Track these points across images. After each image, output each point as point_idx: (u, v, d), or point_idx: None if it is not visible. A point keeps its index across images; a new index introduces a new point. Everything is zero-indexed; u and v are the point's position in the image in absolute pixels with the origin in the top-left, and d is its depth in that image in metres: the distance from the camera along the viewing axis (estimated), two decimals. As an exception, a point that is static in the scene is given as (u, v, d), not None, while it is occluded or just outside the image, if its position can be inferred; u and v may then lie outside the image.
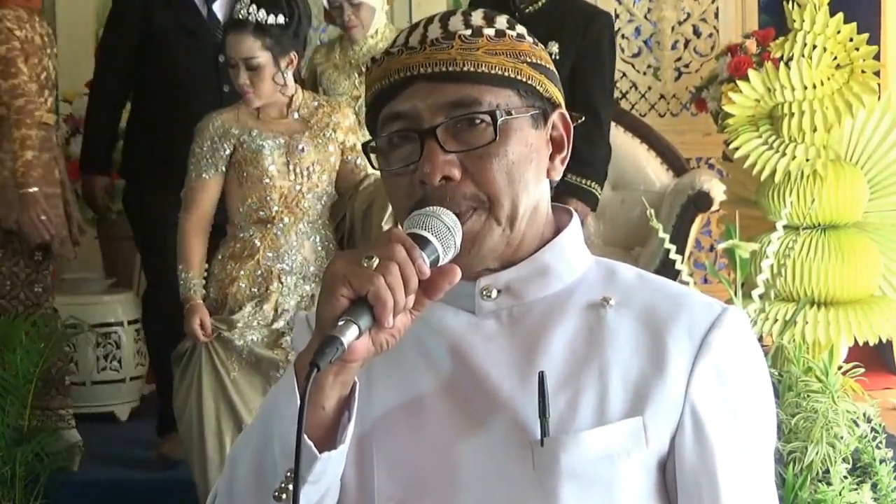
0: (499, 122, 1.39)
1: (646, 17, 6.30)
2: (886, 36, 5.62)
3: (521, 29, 1.46)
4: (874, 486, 3.44)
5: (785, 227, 3.81)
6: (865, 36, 4.04)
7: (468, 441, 1.39)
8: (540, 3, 4.48)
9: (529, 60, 1.43)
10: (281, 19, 3.78)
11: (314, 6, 4.87)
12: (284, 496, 1.30)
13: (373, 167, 1.46)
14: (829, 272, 3.99)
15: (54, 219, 4.38)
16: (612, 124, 5.13)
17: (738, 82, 4.18)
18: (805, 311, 3.96)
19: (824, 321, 3.98)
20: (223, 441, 3.73)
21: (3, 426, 4.13)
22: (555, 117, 1.47)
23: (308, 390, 1.23)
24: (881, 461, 3.46)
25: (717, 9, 6.23)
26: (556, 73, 1.48)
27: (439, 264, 1.33)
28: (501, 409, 1.39)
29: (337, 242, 3.92)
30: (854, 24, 4.03)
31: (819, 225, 4.06)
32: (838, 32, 3.99)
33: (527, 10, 4.44)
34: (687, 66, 6.25)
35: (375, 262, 1.27)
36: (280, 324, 3.76)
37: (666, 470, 1.41)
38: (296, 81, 3.91)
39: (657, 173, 5.52)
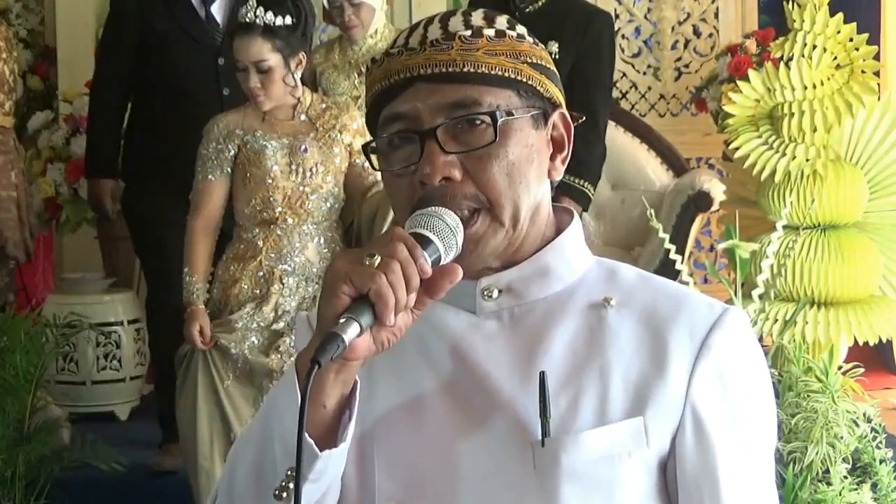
0: (499, 123, 1.39)
1: (646, 17, 6.30)
2: (886, 36, 5.62)
3: (521, 29, 1.46)
4: (874, 486, 3.44)
5: (785, 227, 3.81)
6: (865, 36, 4.04)
7: (469, 441, 1.39)
8: (540, 3, 4.49)
9: (530, 61, 1.44)
10: (289, 20, 3.76)
11: (314, 6, 4.86)
12: (285, 495, 1.30)
13: (373, 168, 1.46)
14: (829, 272, 3.99)
15: (7, 221, 4.35)
16: (612, 124, 5.14)
17: (738, 82, 4.18)
18: (805, 311, 3.96)
19: (824, 321, 3.98)
20: (213, 449, 3.72)
21: (3, 426, 4.13)
22: (555, 117, 1.47)
23: (309, 387, 1.23)
24: (881, 461, 3.46)
25: (717, 9, 6.23)
26: (557, 72, 1.48)
27: (441, 264, 1.34)
28: (502, 409, 1.40)
29: (346, 246, 3.90)
30: (854, 24, 4.03)
31: (819, 225, 4.06)
32: (838, 32, 3.99)
33: (527, 10, 4.44)
34: (687, 66, 6.26)
35: (377, 260, 1.28)
36: (280, 325, 3.76)
37: (667, 470, 1.41)
38: (303, 83, 3.89)
39: (657, 173, 5.52)
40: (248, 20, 3.76)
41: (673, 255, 3.63)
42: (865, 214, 4.14)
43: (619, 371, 1.40)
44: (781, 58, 4.07)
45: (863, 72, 4.00)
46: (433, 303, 1.34)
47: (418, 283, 1.29)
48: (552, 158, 1.47)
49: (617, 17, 6.10)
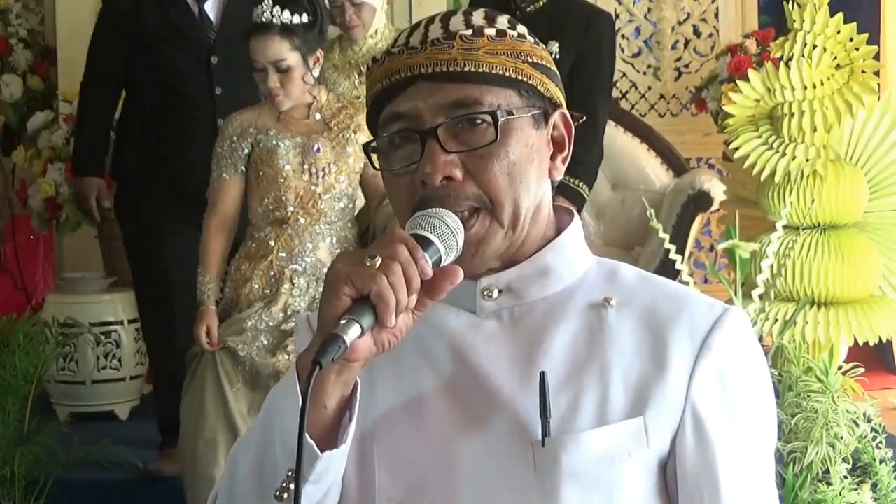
0: (500, 123, 1.39)
1: (646, 17, 6.30)
2: (886, 36, 5.62)
3: (521, 29, 1.46)
4: (874, 486, 3.44)
5: (785, 227, 3.81)
6: (865, 36, 4.04)
7: (469, 441, 1.39)
8: (541, 3, 4.48)
9: (530, 60, 1.44)
10: (305, 18, 3.72)
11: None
12: (286, 496, 1.30)
13: (374, 167, 1.46)
14: (829, 272, 3.99)
15: None
16: (612, 124, 5.13)
17: (738, 82, 4.18)
18: (805, 311, 3.96)
19: (824, 321, 3.98)
20: (217, 455, 3.68)
21: (3, 426, 4.13)
22: (556, 117, 1.47)
23: (310, 388, 1.23)
24: (881, 461, 3.46)
25: (717, 9, 6.23)
26: (558, 72, 1.48)
27: (441, 265, 1.34)
28: (502, 409, 1.40)
29: (360, 248, 3.88)
30: (854, 24, 4.03)
31: (819, 225, 4.06)
32: (838, 32, 3.99)
33: (528, 10, 4.44)
34: (687, 66, 6.25)
35: (378, 261, 1.28)
36: (289, 325, 3.72)
37: (667, 470, 1.41)
38: (318, 83, 3.87)
39: (657, 173, 5.51)
40: (264, 20, 3.72)
41: (673, 255, 3.63)
42: (865, 214, 4.14)
43: (620, 371, 1.40)
44: (781, 58, 4.06)
45: (863, 72, 4.00)
46: (433, 304, 1.34)
47: (419, 284, 1.29)
48: (553, 158, 1.47)
49: (617, 17, 6.09)
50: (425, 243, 1.32)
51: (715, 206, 5.10)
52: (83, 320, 5.10)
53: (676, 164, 5.54)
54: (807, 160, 3.98)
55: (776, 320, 3.93)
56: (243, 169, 3.81)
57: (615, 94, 5.95)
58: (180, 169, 4.39)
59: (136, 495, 4.41)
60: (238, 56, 4.43)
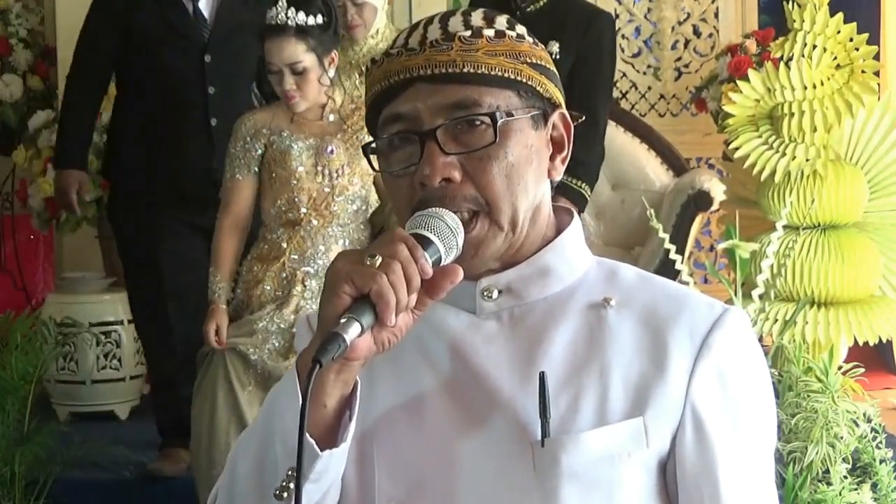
0: (499, 124, 1.39)
1: (646, 17, 6.30)
2: (886, 36, 5.62)
3: (520, 29, 1.46)
4: (874, 486, 3.44)
5: (785, 227, 3.81)
6: (865, 36, 4.04)
7: (469, 441, 1.39)
8: (541, 3, 4.48)
9: (529, 61, 1.43)
10: (320, 19, 3.70)
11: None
12: (286, 495, 1.30)
13: (373, 168, 1.46)
14: (829, 272, 3.99)
15: None
16: (612, 124, 5.13)
17: (738, 82, 4.18)
18: (805, 311, 3.96)
19: (824, 321, 3.98)
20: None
21: (3, 426, 4.12)
22: (555, 118, 1.47)
23: (310, 387, 1.23)
24: (881, 461, 3.46)
25: (717, 9, 6.23)
26: (557, 73, 1.48)
27: (441, 264, 1.34)
28: (502, 409, 1.40)
29: None
30: (854, 24, 4.03)
31: (819, 225, 4.06)
32: (838, 32, 3.99)
33: (528, 10, 4.43)
34: (687, 66, 6.25)
35: (378, 260, 1.28)
36: None
37: (667, 470, 1.41)
38: (331, 84, 3.85)
39: (657, 173, 5.51)
40: (279, 22, 3.69)
41: (673, 255, 3.63)
42: (865, 214, 4.14)
43: (619, 371, 1.40)
44: (781, 58, 4.06)
45: (863, 72, 4.00)
46: (433, 303, 1.34)
47: (419, 283, 1.30)
48: (552, 159, 1.47)
49: (617, 17, 6.09)
50: (425, 243, 1.32)
51: (715, 206, 5.10)
52: (83, 320, 5.11)
53: (676, 164, 5.54)
54: (807, 160, 3.98)
55: (776, 320, 3.93)
56: (256, 170, 3.79)
57: (615, 94, 5.95)
58: (175, 169, 4.37)
59: (136, 495, 4.40)
60: (231, 55, 4.43)
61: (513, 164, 1.41)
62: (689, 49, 6.26)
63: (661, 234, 3.59)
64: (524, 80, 1.42)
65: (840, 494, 3.36)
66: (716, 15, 6.24)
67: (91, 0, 4.57)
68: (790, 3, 4.04)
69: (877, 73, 4.19)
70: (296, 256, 3.75)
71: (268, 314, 3.71)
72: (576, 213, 1.52)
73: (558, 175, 1.48)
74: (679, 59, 6.27)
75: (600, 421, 1.38)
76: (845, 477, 3.39)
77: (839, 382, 3.48)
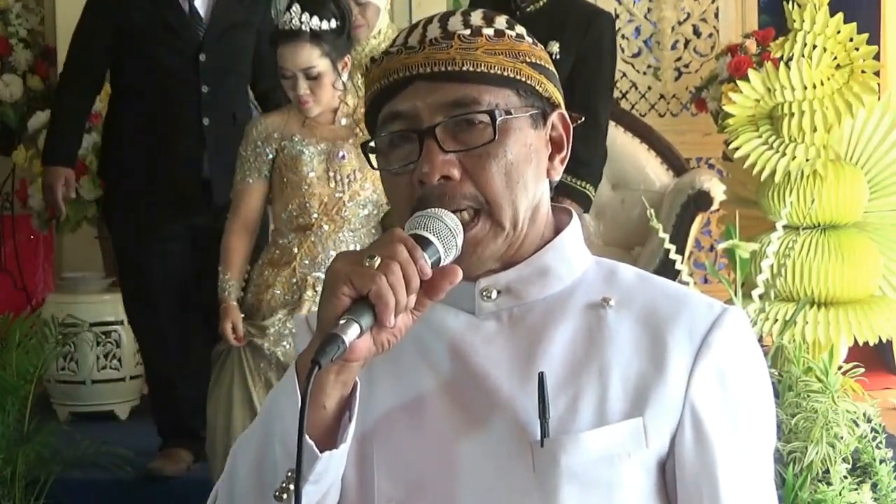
0: (498, 122, 1.39)
1: (646, 17, 6.30)
2: (886, 36, 5.62)
3: (520, 29, 1.46)
4: (874, 486, 3.43)
5: (785, 227, 3.80)
6: (865, 36, 4.04)
7: (468, 442, 1.39)
8: (541, 3, 4.48)
9: (529, 60, 1.44)
10: (334, 24, 3.68)
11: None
12: (285, 496, 1.30)
13: (372, 167, 1.46)
14: (829, 272, 3.99)
15: None
16: (612, 124, 5.13)
17: (738, 82, 4.17)
18: (805, 311, 3.95)
19: (824, 321, 3.98)
20: None
21: (3, 426, 4.13)
22: (554, 117, 1.47)
23: (309, 388, 1.23)
24: (881, 461, 3.45)
25: (717, 9, 6.23)
26: (556, 72, 1.48)
27: (441, 265, 1.34)
28: (501, 409, 1.40)
29: None
30: (854, 24, 4.02)
31: (819, 225, 4.05)
32: (838, 32, 3.99)
33: (528, 10, 4.43)
34: (687, 66, 6.25)
35: (377, 261, 1.28)
36: None
37: (666, 470, 1.41)
38: (344, 88, 3.83)
39: (657, 173, 5.51)
40: (293, 27, 3.67)
41: (673, 255, 3.62)
42: (865, 214, 4.13)
43: (619, 371, 1.40)
44: (781, 58, 4.06)
45: (863, 72, 4.00)
46: (432, 304, 1.34)
47: (418, 284, 1.30)
48: (551, 158, 1.47)
49: (617, 17, 6.09)
50: (424, 243, 1.32)
51: (715, 206, 5.10)
52: (83, 320, 5.10)
53: (676, 164, 5.54)
54: (807, 160, 3.98)
55: (776, 320, 3.92)
56: (267, 174, 3.79)
57: (615, 94, 5.95)
58: (170, 168, 4.37)
59: (136, 495, 4.40)
60: (225, 54, 4.42)
61: (512, 163, 1.41)
62: (689, 49, 6.26)
63: (661, 234, 3.59)
64: (523, 80, 1.42)
65: (840, 494, 3.35)
66: (716, 15, 6.24)
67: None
68: (790, 3, 4.04)
69: (877, 73, 4.18)
70: (307, 261, 3.75)
71: (280, 320, 3.72)
72: (574, 213, 1.52)
73: (557, 175, 1.48)
74: (679, 59, 6.27)
75: (600, 421, 1.38)
76: (845, 477, 3.39)
77: (839, 382, 3.48)
